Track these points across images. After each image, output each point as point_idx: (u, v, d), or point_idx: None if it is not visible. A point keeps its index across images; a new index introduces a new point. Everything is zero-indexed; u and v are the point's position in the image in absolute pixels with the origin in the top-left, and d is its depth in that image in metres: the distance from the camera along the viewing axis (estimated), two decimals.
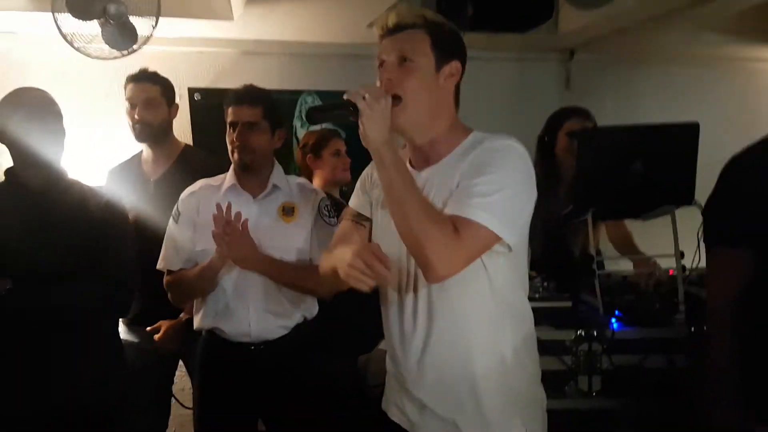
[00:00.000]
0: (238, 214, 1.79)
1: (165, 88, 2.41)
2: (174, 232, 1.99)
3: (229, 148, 1.97)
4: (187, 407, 2.35)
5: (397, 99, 1.25)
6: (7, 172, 1.81)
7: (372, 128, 1.18)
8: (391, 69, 1.28)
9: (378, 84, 1.29)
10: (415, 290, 1.33)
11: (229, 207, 1.79)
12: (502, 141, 1.27)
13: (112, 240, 1.78)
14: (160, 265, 1.99)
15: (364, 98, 1.18)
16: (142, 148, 2.45)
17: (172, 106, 2.43)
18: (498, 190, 1.20)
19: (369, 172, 1.46)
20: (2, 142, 1.77)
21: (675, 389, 1.84)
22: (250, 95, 1.96)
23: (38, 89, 1.81)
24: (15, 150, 1.76)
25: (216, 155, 2.32)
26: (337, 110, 1.26)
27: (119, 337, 1.98)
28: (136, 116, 2.33)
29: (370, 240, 1.41)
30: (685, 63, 4.02)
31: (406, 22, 1.29)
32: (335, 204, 2.18)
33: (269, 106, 1.97)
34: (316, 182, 2.60)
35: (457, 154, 1.30)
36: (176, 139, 2.50)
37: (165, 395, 2.40)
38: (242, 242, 1.79)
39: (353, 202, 1.48)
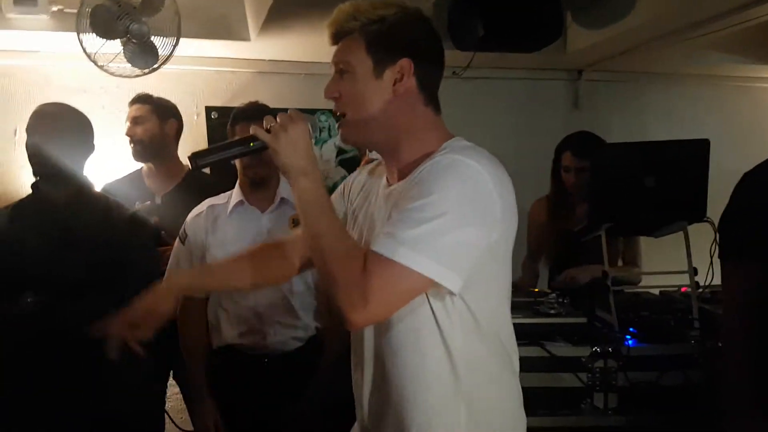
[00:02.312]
0: None
1: (156, 106, 2.53)
2: (180, 253, 2.01)
3: (238, 165, 1.99)
4: (183, 429, 2.26)
5: (343, 116, 1.15)
6: (34, 185, 1.84)
7: (283, 157, 1.06)
8: (332, 84, 1.15)
9: None
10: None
11: None
12: (452, 156, 1.06)
13: (137, 254, 1.81)
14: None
15: (269, 130, 1.07)
16: (144, 165, 2.54)
17: (166, 123, 2.52)
18: (431, 218, 0.99)
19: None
20: (29, 156, 1.80)
21: (691, 405, 1.84)
22: (254, 112, 1.97)
23: (65, 104, 1.85)
24: (40, 164, 1.78)
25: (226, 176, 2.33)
26: (229, 149, 1.14)
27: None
28: (128, 133, 2.48)
29: None
30: (692, 82, 4.06)
31: (343, 30, 1.15)
32: None
33: None
34: None
35: (419, 168, 1.11)
36: (179, 158, 2.58)
37: (158, 413, 2.25)
38: None
39: (333, 198, 1.33)
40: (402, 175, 1.16)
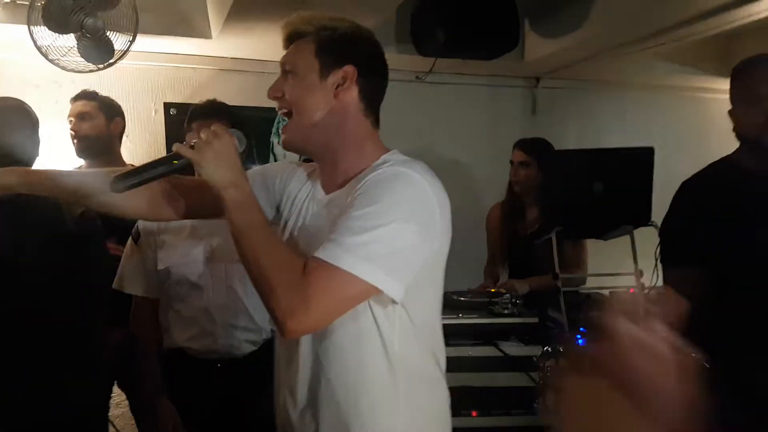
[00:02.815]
0: None
1: (103, 104, 2.51)
2: (130, 252, 1.98)
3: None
4: None
5: (287, 114, 1.17)
6: None
7: (209, 172, 1.05)
8: (278, 84, 1.18)
9: None
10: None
11: None
12: (397, 168, 1.09)
13: (88, 251, 1.78)
14: (115, 285, 1.96)
15: (192, 146, 1.07)
16: (82, 164, 2.50)
17: (112, 122, 2.51)
18: (376, 226, 1.00)
19: (286, 172, 1.29)
20: None
21: None
22: (211, 110, 1.95)
23: (15, 98, 1.82)
24: None
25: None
26: (153, 169, 1.11)
27: (99, 348, 1.95)
28: (71, 128, 2.45)
29: None
30: (643, 91, 4.21)
31: (297, 32, 1.18)
32: None
33: (230, 119, 1.94)
34: None
35: (360, 180, 1.11)
36: (122, 157, 2.56)
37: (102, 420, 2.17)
38: None
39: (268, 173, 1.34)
40: (339, 184, 1.17)
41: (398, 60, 3.45)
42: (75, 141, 2.46)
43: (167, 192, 1.26)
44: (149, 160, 1.14)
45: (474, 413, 1.96)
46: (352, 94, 1.16)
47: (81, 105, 2.48)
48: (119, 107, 2.59)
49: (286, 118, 1.18)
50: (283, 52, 1.22)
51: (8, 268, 1.66)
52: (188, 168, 1.11)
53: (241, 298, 1.92)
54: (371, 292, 1.03)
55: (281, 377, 1.24)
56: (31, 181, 1.28)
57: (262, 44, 3.12)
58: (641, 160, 2.10)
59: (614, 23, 2.93)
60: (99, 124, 2.47)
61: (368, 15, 2.78)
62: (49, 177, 1.28)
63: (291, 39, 1.19)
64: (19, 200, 1.73)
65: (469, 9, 2.96)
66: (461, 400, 1.89)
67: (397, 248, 1.02)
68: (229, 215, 1.06)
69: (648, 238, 2.07)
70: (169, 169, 1.12)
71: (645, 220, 2.08)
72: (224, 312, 1.91)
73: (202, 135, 1.08)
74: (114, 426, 2.27)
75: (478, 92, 3.94)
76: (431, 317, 1.19)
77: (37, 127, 1.82)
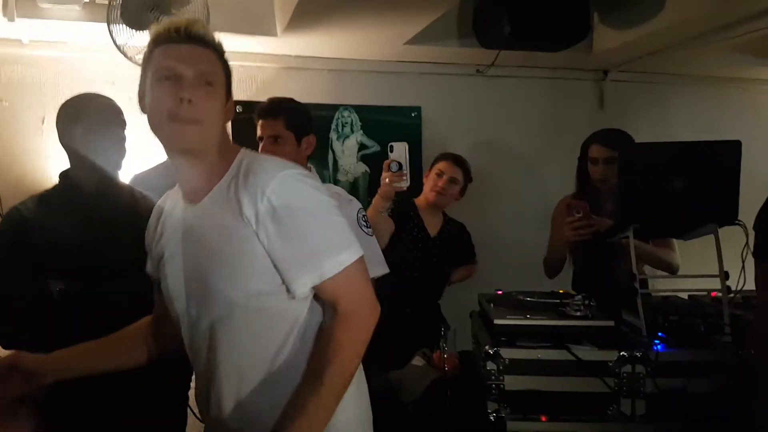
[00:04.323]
0: None
1: None
2: None
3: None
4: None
5: (193, 123, 1.18)
6: (62, 175, 1.86)
7: None
8: (191, 88, 1.18)
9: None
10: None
11: None
12: (282, 180, 1.16)
13: None
14: None
15: None
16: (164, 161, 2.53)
17: None
18: (322, 228, 1.18)
19: (152, 224, 1.38)
20: (64, 146, 1.81)
21: (722, 415, 1.79)
22: (270, 109, 1.98)
23: (105, 97, 1.86)
24: (77, 154, 1.80)
25: None
26: None
27: None
28: None
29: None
30: (721, 85, 4.00)
31: (207, 38, 1.23)
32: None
33: (291, 117, 1.99)
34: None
35: (224, 186, 1.21)
36: None
37: (181, 404, 2.21)
38: None
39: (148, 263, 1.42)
40: (200, 192, 1.24)
41: (459, 53, 3.40)
42: None
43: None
44: None
45: (543, 418, 1.89)
46: (231, 112, 1.30)
47: None
48: None
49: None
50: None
51: (85, 256, 1.71)
52: None
53: None
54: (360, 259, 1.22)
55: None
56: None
57: (326, 42, 3.13)
58: (727, 154, 1.96)
59: (692, 13, 2.79)
60: None
61: (430, 7, 2.75)
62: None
63: (198, 42, 1.21)
64: (93, 192, 1.79)
65: None
66: (529, 404, 1.86)
67: (337, 223, 1.23)
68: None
69: (733, 238, 1.96)
70: None
71: (732, 218, 1.95)
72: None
73: None
74: (193, 412, 2.32)
75: (542, 86, 3.84)
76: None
77: (125, 126, 1.86)
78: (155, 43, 1.19)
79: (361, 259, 1.19)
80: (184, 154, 1.20)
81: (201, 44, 1.19)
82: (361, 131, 3.55)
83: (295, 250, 1.15)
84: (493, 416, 1.85)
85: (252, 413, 1.21)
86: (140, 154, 2.71)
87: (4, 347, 1.75)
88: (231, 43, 3.11)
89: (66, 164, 1.86)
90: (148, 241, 1.40)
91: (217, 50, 1.22)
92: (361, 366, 1.30)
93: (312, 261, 1.15)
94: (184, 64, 1.15)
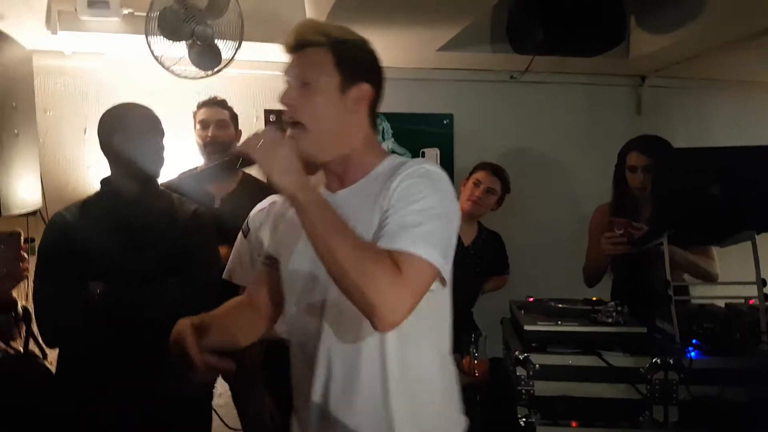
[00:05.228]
0: None
1: (232, 114, 2.63)
2: (242, 246, 2.05)
3: None
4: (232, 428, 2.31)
5: (299, 125, 1.16)
6: (104, 182, 1.93)
7: (277, 178, 1.05)
8: (290, 92, 1.17)
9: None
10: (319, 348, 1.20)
11: None
12: (422, 166, 1.16)
13: (199, 247, 1.86)
14: (225, 275, 2.05)
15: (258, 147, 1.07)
16: (203, 166, 2.58)
17: (237, 131, 2.63)
18: (431, 218, 1.09)
19: (266, 206, 1.36)
20: (105, 154, 1.88)
21: (757, 424, 1.75)
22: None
23: (144, 106, 1.92)
24: (118, 162, 1.86)
25: None
26: (221, 168, 1.18)
27: None
28: (209, 135, 2.53)
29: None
30: (757, 88, 3.90)
31: (308, 41, 1.17)
32: None
33: None
34: None
35: (373, 178, 1.20)
36: None
37: (206, 407, 2.21)
38: None
39: (264, 243, 1.39)
40: (347, 182, 1.23)
41: (491, 59, 3.39)
42: (208, 146, 2.54)
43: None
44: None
45: (574, 423, 1.87)
46: (365, 108, 1.21)
47: (218, 112, 2.57)
48: (238, 118, 2.70)
49: (293, 127, 1.17)
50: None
51: (125, 259, 1.77)
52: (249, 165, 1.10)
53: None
54: (436, 277, 1.11)
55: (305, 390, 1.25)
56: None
57: None
58: (764, 159, 1.92)
59: (729, 16, 2.74)
60: (231, 133, 2.59)
61: (463, 13, 2.76)
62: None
63: (300, 46, 1.18)
64: (134, 198, 1.86)
65: (569, 4, 2.86)
66: (559, 410, 1.85)
67: (446, 236, 1.12)
68: (306, 218, 1.05)
69: None
70: (234, 171, 1.18)
71: None
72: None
73: (268, 138, 1.07)
74: (218, 414, 2.36)
75: (578, 92, 3.81)
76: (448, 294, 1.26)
77: (163, 135, 1.92)
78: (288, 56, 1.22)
79: (433, 269, 1.08)
80: (302, 157, 1.14)
81: (305, 47, 1.18)
82: (393, 139, 3.58)
83: (396, 218, 1.09)
84: (523, 421, 1.84)
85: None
86: (178, 160, 2.81)
87: (49, 346, 1.82)
88: (263, 52, 3.21)
89: (107, 172, 1.92)
90: (271, 222, 1.38)
91: (328, 44, 1.17)
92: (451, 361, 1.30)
93: (408, 230, 1.07)
94: (287, 71, 1.19)
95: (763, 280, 1.93)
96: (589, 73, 3.70)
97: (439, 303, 1.21)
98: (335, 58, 1.16)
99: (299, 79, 1.17)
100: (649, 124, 3.64)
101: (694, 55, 3.28)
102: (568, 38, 2.88)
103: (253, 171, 1.12)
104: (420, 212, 1.08)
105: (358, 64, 1.19)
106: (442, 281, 1.15)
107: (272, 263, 1.35)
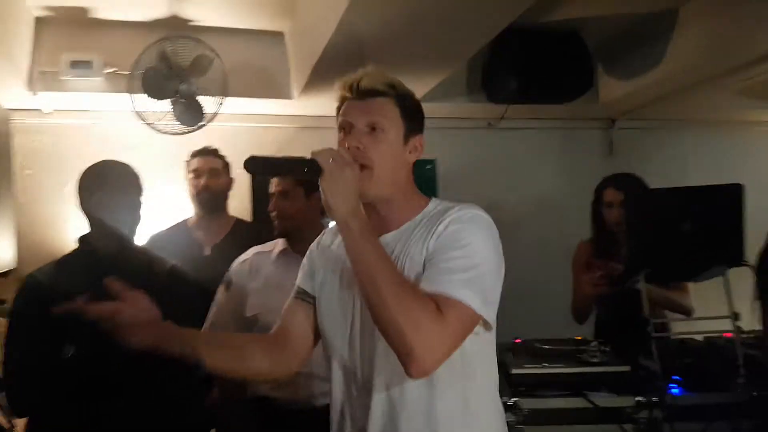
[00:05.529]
0: None
1: (225, 162, 2.61)
2: (222, 299, 2.04)
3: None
4: None
5: (364, 168, 1.18)
6: (80, 239, 1.88)
7: (336, 197, 1.08)
8: (359, 136, 1.20)
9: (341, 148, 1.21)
10: (369, 386, 1.19)
11: None
12: (469, 210, 1.19)
13: (177, 305, 1.83)
14: (206, 329, 1.99)
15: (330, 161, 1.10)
16: (193, 216, 2.59)
17: (230, 177, 2.62)
18: (475, 264, 1.10)
19: (315, 243, 1.37)
20: (84, 212, 1.86)
21: None
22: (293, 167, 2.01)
23: (124, 163, 1.90)
24: (95, 220, 1.83)
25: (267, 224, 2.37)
26: (289, 165, 1.17)
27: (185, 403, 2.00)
28: (202, 183, 2.51)
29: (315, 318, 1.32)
30: (725, 128, 4.06)
31: (377, 90, 1.22)
32: None
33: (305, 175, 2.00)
34: None
35: (418, 221, 1.23)
36: (228, 212, 2.65)
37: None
38: None
39: (299, 276, 1.38)
40: (392, 226, 1.25)
41: (470, 108, 3.50)
42: (201, 195, 2.53)
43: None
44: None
45: None
46: (415, 158, 1.27)
47: (211, 161, 2.56)
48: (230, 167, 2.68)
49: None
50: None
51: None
52: (313, 177, 1.10)
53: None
54: (477, 323, 1.12)
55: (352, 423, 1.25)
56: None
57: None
58: (730, 197, 2.01)
59: (694, 58, 2.87)
60: (225, 182, 2.58)
61: (442, 67, 2.86)
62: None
63: (368, 94, 1.23)
64: (111, 256, 1.83)
65: (540, 55, 2.99)
66: None
67: (493, 282, 1.14)
68: (354, 244, 1.08)
69: (743, 279, 1.98)
70: (299, 176, 1.17)
71: (738, 259, 1.98)
72: (307, 361, 1.93)
73: (339, 157, 1.10)
74: None
75: (552, 136, 3.93)
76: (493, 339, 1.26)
77: (142, 191, 1.91)
78: (340, 101, 1.25)
79: (474, 314, 1.09)
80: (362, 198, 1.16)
81: (374, 96, 1.22)
82: None
83: (440, 262, 1.11)
84: None
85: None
86: (158, 215, 2.81)
87: (18, 415, 1.74)
88: (249, 105, 3.26)
89: (85, 229, 1.87)
90: (311, 257, 1.37)
91: (394, 96, 1.23)
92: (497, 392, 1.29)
93: (451, 275, 1.09)
94: (353, 115, 1.21)
95: (735, 314, 1.99)
96: (562, 119, 3.83)
97: (482, 345, 1.21)
98: (400, 110, 1.23)
99: (368, 125, 1.20)
100: (621, 164, 3.73)
101: (659, 97, 3.42)
102: (539, 88, 3.00)
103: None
104: (464, 258, 1.10)
105: (417, 118, 1.27)
106: (486, 325, 1.16)
107: (308, 298, 1.35)
